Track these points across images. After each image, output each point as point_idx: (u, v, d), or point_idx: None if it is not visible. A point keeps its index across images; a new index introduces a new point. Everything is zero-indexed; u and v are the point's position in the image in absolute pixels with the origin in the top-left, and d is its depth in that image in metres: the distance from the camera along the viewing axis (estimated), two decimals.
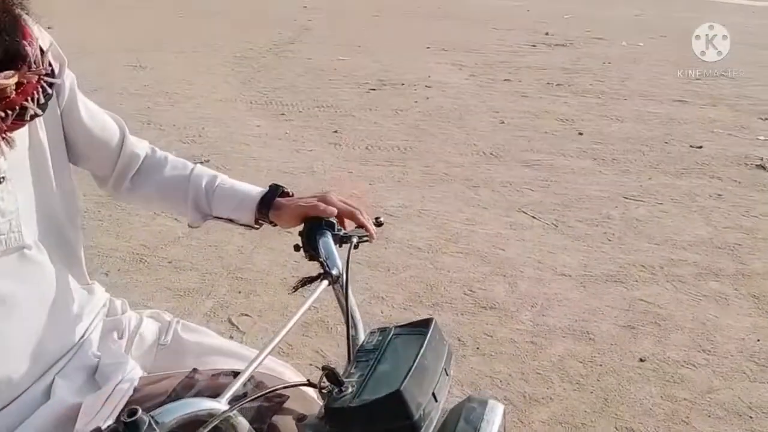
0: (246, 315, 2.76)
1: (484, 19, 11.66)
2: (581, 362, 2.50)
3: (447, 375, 0.74)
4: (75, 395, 0.94)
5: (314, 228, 1.04)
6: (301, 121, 5.59)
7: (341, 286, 0.93)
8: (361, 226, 1.07)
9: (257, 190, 1.15)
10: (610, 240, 3.51)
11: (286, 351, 2.50)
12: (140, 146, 1.19)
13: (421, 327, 0.78)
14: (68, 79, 1.05)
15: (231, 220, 1.16)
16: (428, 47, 8.96)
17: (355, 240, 1.00)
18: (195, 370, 0.95)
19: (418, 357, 0.71)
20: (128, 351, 1.08)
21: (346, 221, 1.10)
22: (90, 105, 1.11)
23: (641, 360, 2.52)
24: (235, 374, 0.80)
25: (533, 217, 3.78)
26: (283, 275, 3.05)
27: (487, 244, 3.41)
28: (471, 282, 3.04)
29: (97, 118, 1.12)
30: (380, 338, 0.79)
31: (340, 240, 1.02)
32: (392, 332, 0.80)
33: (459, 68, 7.76)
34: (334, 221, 1.06)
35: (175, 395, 0.88)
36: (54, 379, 0.96)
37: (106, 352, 1.03)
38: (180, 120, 5.44)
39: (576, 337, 2.65)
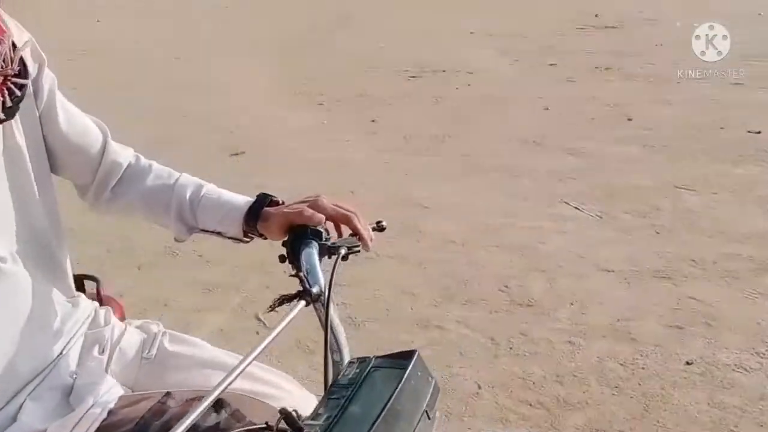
0: (273, 311, 2.70)
1: (531, 1, 11.34)
2: (622, 364, 2.36)
3: (429, 419, 0.64)
4: (43, 420, 0.87)
5: (299, 237, 0.94)
6: (339, 110, 5.52)
7: (323, 305, 0.82)
8: (355, 233, 0.96)
9: (244, 200, 1.06)
10: (658, 233, 3.31)
11: (312, 348, 2.42)
12: (123, 154, 1.11)
13: (402, 360, 0.68)
14: (47, 80, 0.98)
15: (219, 233, 1.08)
16: (471, 32, 8.75)
17: (343, 251, 0.88)
18: (168, 393, 0.87)
19: (391, 400, 0.61)
20: (108, 366, 1.01)
21: (343, 227, 1.00)
22: (69, 108, 1.04)
23: (688, 363, 2.36)
24: None
25: (576, 208, 3.61)
26: None
27: (525, 238, 3.27)
28: (507, 278, 2.91)
29: (77, 122, 1.04)
30: (357, 371, 0.69)
31: (328, 250, 0.91)
32: (372, 364, 0.70)
33: (503, 54, 7.55)
34: (322, 229, 0.95)
35: (143, 423, 0.81)
36: (25, 401, 0.90)
37: (83, 371, 0.96)
38: (216, 111, 5.44)
39: (617, 337, 2.50)
